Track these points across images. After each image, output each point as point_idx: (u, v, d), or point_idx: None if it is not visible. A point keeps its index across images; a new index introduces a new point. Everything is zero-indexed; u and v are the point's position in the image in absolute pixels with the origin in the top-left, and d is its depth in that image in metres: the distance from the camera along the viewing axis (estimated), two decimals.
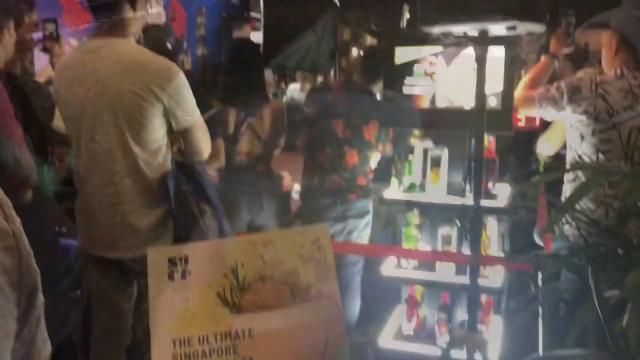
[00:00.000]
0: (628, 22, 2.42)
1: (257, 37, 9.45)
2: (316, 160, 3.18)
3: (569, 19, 2.78)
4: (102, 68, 2.02)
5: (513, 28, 1.96)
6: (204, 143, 2.21)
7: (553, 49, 2.72)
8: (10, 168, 1.67)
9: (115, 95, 2.00)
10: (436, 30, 2.07)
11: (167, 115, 2.06)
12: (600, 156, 2.41)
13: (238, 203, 2.95)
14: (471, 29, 2.05)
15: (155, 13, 6.80)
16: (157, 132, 2.06)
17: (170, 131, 2.11)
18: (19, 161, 1.69)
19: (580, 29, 2.72)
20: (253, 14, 10.13)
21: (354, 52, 10.55)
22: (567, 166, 2.56)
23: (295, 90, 10.72)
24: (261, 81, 2.99)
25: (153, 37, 2.57)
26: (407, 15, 2.36)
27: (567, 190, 2.53)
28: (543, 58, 2.74)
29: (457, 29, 2.06)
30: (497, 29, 2.02)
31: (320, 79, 9.97)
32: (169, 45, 2.68)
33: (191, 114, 2.11)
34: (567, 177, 2.51)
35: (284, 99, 10.64)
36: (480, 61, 2.12)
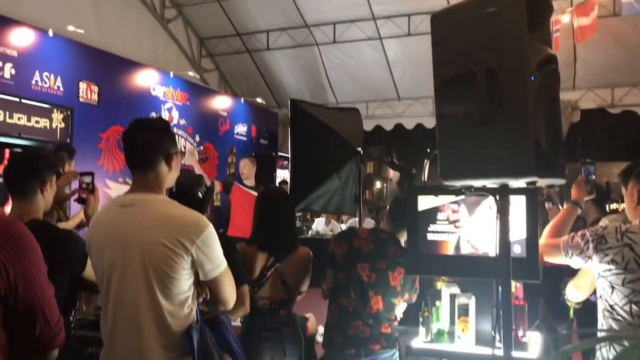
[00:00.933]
0: None
1: (284, 174, 9.78)
2: (340, 304, 3.15)
3: (588, 167, 2.84)
4: (134, 222, 2.10)
5: (533, 183, 2.01)
6: (230, 292, 2.23)
7: (575, 197, 2.75)
8: (40, 326, 1.71)
9: (145, 248, 2.07)
10: (457, 184, 2.13)
11: (195, 266, 2.10)
12: (634, 307, 2.34)
13: (260, 349, 2.90)
14: (491, 183, 2.10)
15: (188, 151, 7.14)
16: (184, 283, 2.09)
17: (197, 282, 2.14)
18: (49, 320, 1.73)
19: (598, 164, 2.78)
20: (281, 153, 10.58)
21: (377, 184, 10.71)
22: (599, 317, 2.49)
23: (320, 223, 10.87)
24: (292, 229, 3.09)
25: (184, 188, 2.68)
26: (426, 170, 2.45)
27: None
28: (566, 206, 2.77)
29: (478, 183, 2.11)
30: (518, 183, 2.08)
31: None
32: (199, 194, 2.79)
33: (219, 265, 2.15)
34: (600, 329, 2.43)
35: (310, 233, 10.76)
36: (502, 211, 2.15)
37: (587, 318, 2.96)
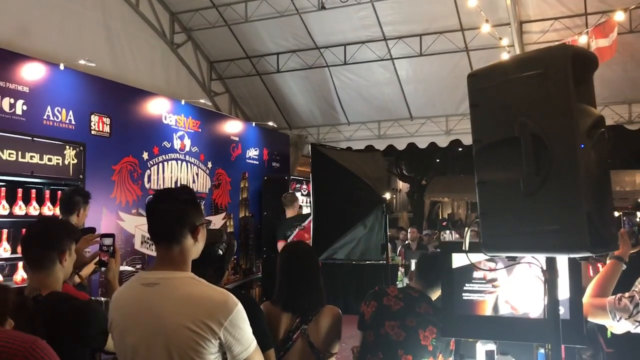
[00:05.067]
0: None
1: (299, 196, 9.67)
2: None
3: (631, 218, 2.70)
4: (158, 304, 1.99)
5: (585, 258, 1.87)
6: None
7: (619, 252, 2.61)
8: None
9: (170, 334, 1.95)
10: (501, 255, 2.00)
11: (223, 349, 1.98)
12: None
13: None
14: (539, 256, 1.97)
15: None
16: None
17: None
18: None
19: None
20: (293, 177, 10.47)
21: (387, 195, 10.53)
22: None
23: None
24: (318, 286, 2.91)
25: (205, 249, 2.57)
26: (468, 239, 2.32)
27: None
28: (609, 261, 2.62)
29: (523, 254, 1.98)
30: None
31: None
32: (220, 251, 2.67)
33: (248, 346, 2.03)
34: None
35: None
36: (551, 282, 2.02)
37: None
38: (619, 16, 6.69)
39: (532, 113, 1.88)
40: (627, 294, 2.39)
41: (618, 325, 2.43)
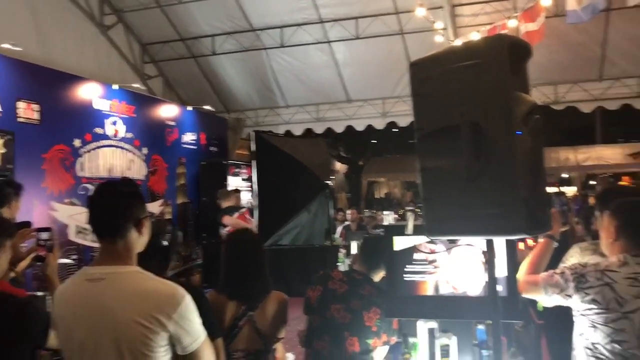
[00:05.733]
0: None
1: (236, 182, 9.58)
2: (315, 348, 3.05)
3: (561, 199, 2.84)
4: (105, 300, 1.95)
5: (521, 239, 1.97)
6: None
7: (550, 231, 2.74)
8: None
9: (119, 328, 1.92)
10: (443, 238, 2.08)
11: (173, 341, 1.97)
12: (616, 346, 2.35)
13: None
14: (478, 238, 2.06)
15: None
16: None
17: (175, 357, 2.01)
18: None
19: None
20: (232, 161, 10.39)
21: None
22: (579, 355, 2.49)
23: None
24: (264, 272, 2.92)
25: (149, 240, 2.52)
26: (411, 224, 2.38)
27: None
28: (542, 240, 2.75)
29: (464, 237, 2.06)
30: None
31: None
32: (164, 243, 2.63)
33: (197, 337, 2.02)
34: None
35: None
36: (490, 262, 2.12)
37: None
38: (546, 1, 6.95)
39: (473, 102, 1.95)
40: (558, 270, 2.52)
41: (550, 300, 2.56)
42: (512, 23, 7.25)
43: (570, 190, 16.56)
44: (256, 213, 3.98)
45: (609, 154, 16.23)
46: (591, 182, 16.84)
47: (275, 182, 3.93)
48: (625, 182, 6.04)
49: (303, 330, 3.14)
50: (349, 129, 11.10)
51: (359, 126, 10.97)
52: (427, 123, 2.07)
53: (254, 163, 4.14)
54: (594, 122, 21.83)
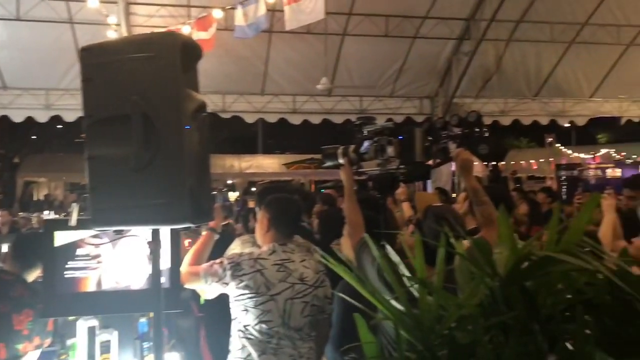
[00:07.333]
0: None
1: None
2: None
3: (223, 195, 3.06)
4: None
5: (186, 229, 2.07)
6: None
7: (212, 224, 2.93)
8: None
9: None
10: (109, 229, 2.05)
11: None
12: (263, 326, 2.64)
13: None
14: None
15: None
16: None
17: None
18: None
19: None
20: None
21: None
22: (233, 338, 2.71)
23: None
24: None
25: None
26: (75, 214, 2.26)
27: None
28: (205, 233, 2.93)
29: (131, 227, 2.07)
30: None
31: None
32: None
33: None
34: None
35: None
36: (155, 252, 2.16)
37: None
38: (218, 13, 7.39)
39: (144, 93, 1.97)
40: (217, 261, 2.72)
41: (210, 289, 2.75)
42: (185, 29, 7.50)
43: (234, 195, 17.86)
44: None
45: (268, 163, 18.01)
46: (252, 189, 18.46)
47: None
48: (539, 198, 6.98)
49: None
50: (4, 119, 9.92)
51: (17, 117, 9.89)
52: (97, 110, 2.02)
53: None
54: (256, 134, 23.96)
